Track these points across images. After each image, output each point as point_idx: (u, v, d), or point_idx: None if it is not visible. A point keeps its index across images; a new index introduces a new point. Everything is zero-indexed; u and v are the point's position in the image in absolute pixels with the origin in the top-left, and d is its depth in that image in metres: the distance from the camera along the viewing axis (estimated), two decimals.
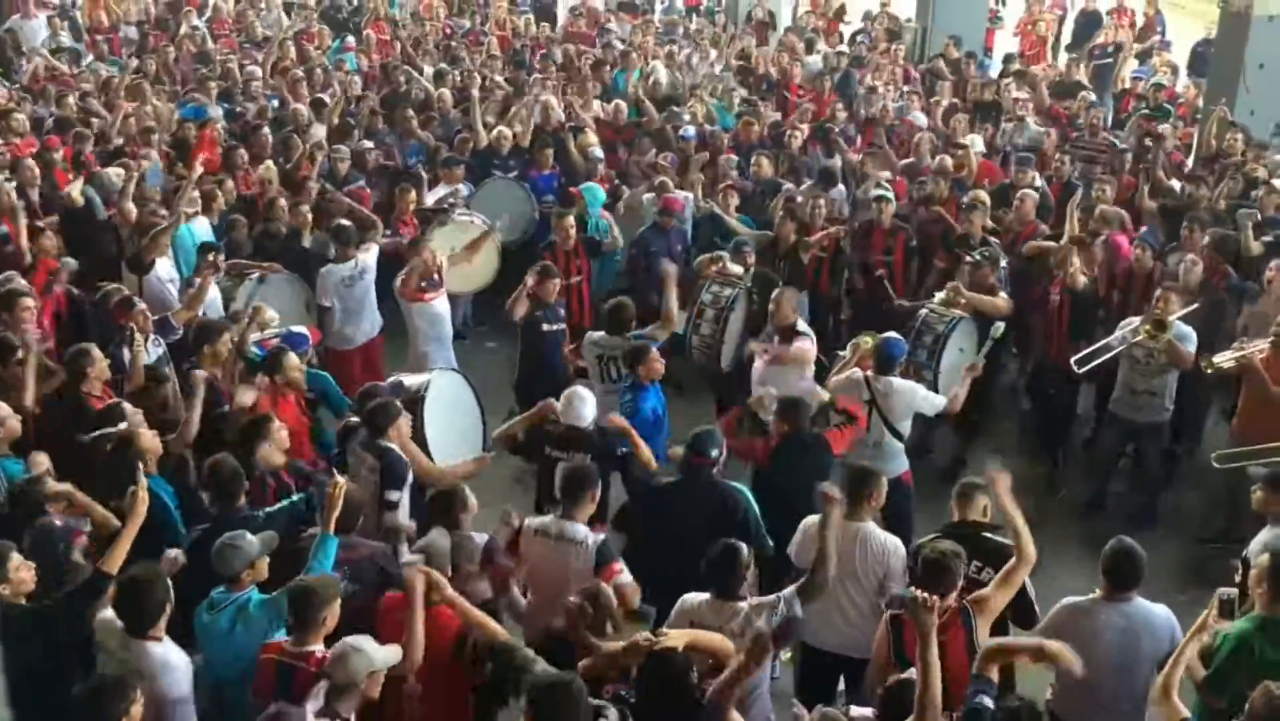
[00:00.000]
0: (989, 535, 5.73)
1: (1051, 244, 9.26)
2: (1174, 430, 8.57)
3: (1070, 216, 9.11)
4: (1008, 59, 15.75)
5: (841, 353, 7.89)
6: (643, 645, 4.64)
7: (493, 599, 5.60)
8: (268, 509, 5.83)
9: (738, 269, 8.91)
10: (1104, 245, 9.25)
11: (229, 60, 14.27)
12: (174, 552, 5.55)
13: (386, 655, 4.64)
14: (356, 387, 7.34)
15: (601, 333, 7.96)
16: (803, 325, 8.24)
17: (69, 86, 13.08)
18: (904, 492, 7.14)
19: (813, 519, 5.78)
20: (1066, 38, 18.38)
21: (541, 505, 6.55)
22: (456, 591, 5.18)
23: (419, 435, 6.87)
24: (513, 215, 10.81)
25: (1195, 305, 8.07)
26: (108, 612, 4.95)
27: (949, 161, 10.79)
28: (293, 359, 7.20)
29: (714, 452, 6.21)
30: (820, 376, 7.96)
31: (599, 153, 11.56)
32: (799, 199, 10.15)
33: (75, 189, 9.74)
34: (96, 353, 6.96)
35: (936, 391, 7.70)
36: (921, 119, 12.93)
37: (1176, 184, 10.80)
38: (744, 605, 5.21)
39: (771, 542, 6.12)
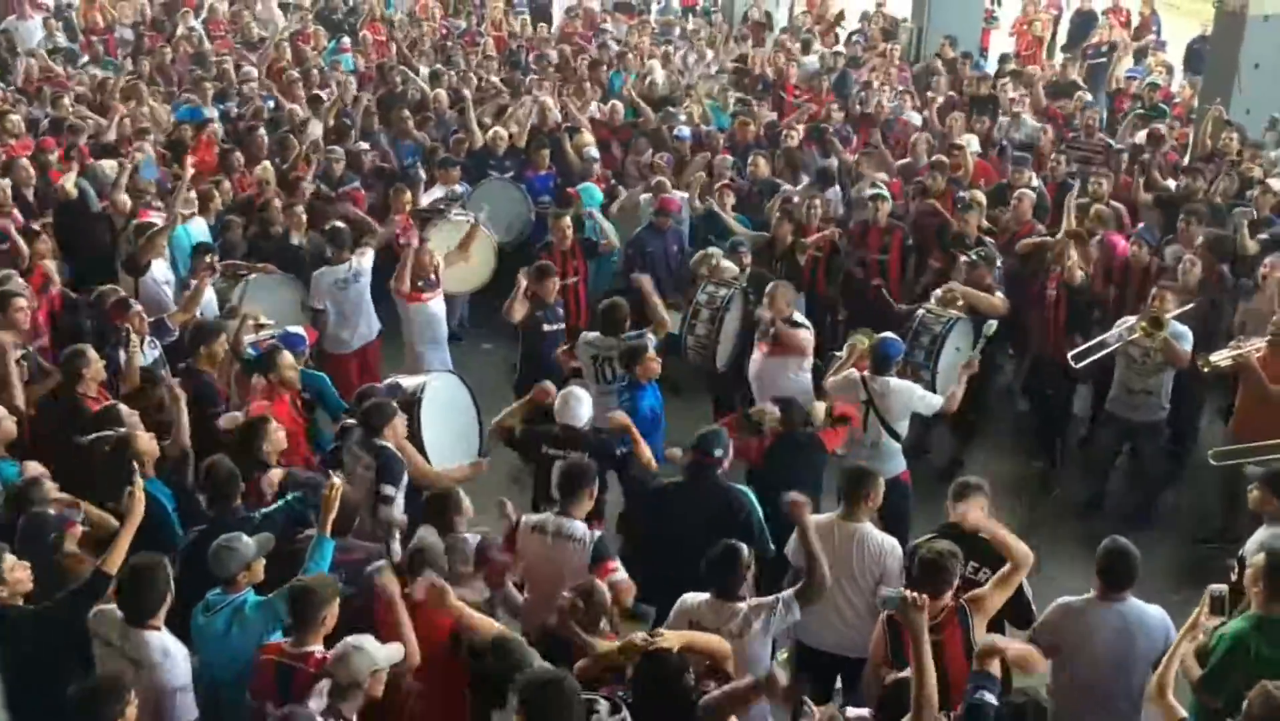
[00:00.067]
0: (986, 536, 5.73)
1: (1047, 238, 9.30)
2: (1171, 429, 8.59)
3: (1067, 211, 9.11)
4: (1003, 59, 15.76)
5: (838, 353, 7.89)
6: (638, 645, 4.64)
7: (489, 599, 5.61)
8: (263, 510, 5.83)
9: (733, 269, 8.92)
10: (1099, 244, 9.27)
11: (224, 61, 14.27)
12: None
13: (389, 653, 4.65)
14: (354, 392, 7.32)
15: (596, 333, 7.95)
16: (800, 318, 8.24)
17: (64, 88, 13.07)
18: (902, 492, 7.14)
19: (810, 518, 5.78)
20: (1062, 38, 18.40)
21: (538, 504, 6.54)
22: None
23: (416, 437, 6.87)
24: (508, 216, 10.81)
25: (1191, 304, 8.09)
26: (105, 605, 4.96)
27: (945, 159, 10.81)
28: (287, 357, 7.19)
29: (718, 452, 6.21)
30: (817, 377, 7.96)
31: (594, 153, 11.56)
32: (795, 199, 10.15)
33: (69, 180, 9.75)
34: (92, 354, 6.95)
35: (934, 392, 7.70)
36: (916, 118, 12.94)
37: (1172, 183, 10.82)
38: (743, 605, 5.21)
39: (773, 547, 6.12)
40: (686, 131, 11.99)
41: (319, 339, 8.65)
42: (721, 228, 10.03)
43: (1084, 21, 17.77)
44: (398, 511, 6.18)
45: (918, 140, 11.61)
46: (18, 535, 5.39)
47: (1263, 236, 9.14)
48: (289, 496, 5.94)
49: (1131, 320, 8.00)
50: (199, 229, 9.46)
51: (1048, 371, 8.98)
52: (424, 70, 14.08)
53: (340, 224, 9.21)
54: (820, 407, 7.23)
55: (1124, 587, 5.27)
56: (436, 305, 9.03)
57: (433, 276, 9.00)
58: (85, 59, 15.09)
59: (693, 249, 9.97)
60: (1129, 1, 17.85)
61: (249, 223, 9.79)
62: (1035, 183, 10.48)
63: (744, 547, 5.27)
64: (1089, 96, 13.80)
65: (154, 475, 6.02)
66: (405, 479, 6.35)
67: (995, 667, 4.67)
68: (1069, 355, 8.21)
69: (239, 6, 17.75)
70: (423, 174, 10.91)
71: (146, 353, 7.42)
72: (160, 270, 8.80)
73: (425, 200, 10.55)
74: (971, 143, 11.65)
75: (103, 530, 5.67)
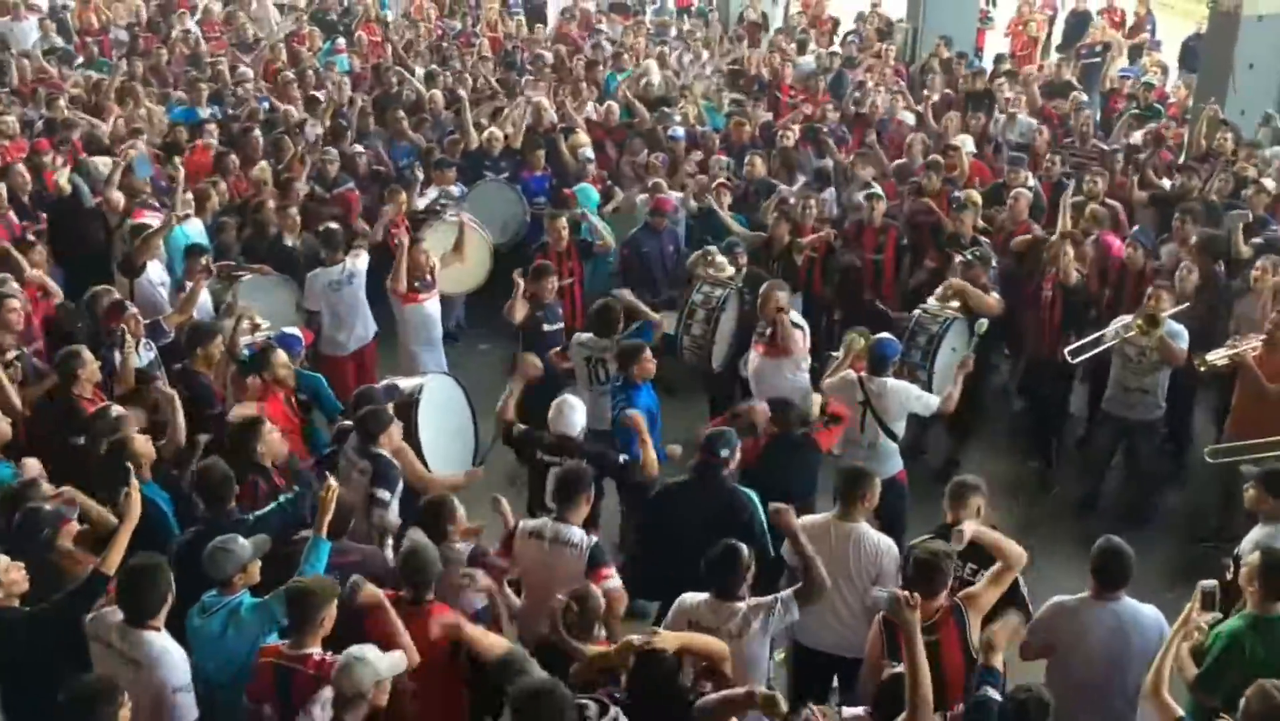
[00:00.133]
0: None
1: (1042, 233, 9.30)
2: (1167, 428, 8.60)
3: (1062, 211, 9.13)
4: (999, 59, 15.77)
5: (834, 353, 7.89)
6: (634, 645, 4.64)
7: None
8: (256, 512, 5.81)
9: (729, 268, 8.92)
10: (1094, 244, 9.28)
11: (219, 62, 14.25)
12: None
13: (392, 663, 4.62)
14: (350, 394, 7.31)
15: (589, 334, 7.95)
16: (796, 317, 8.24)
17: (58, 89, 13.05)
18: (898, 492, 7.15)
19: (806, 519, 5.80)
20: (1057, 38, 18.41)
21: (533, 510, 6.50)
22: (445, 600, 5.21)
23: (413, 439, 6.87)
24: (504, 217, 10.80)
25: (1187, 304, 8.10)
26: (104, 608, 4.95)
27: (940, 159, 10.82)
28: (281, 356, 7.19)
29: (724, 453, 6.21)
30: (814, 377, 7.97)
31: (589, 153, 11.55)
32: (792, 200, 10.16)
33: (62, 176, 9.73)
34: (87, 354, 6.94)
35: (931, 391, 7.70)
36: (909, 118, 12.95)
37: (1167, 182, 10.83)
38: (742, 605, 5.22)
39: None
40: (680, 132, 11.98)
41: (315, 341, 8.65)
42: (718, 228, 10.02)
43: (1079, 22, 17.78)
44: (391, 515, 6.17)
45: (913, 140, 11.61)
46: (12, 533, 5.38)
47: (1256, 240, 9.14)
48: (281, 499, 5.94)
49: (1128, 318, 8.01)
50: (195, 229, 9.45)
51: (1043, 372, 8.99)
52: (419, 71, 14.07)
53: (334, 225, 9.20)
54: (816, 400, 7.25)
55: (1118, 587, 5.28)
56: (431, 306, 9.03)
57: (428, 277, 9.00)
58: (80, 60, 15.07)
59: (688, 249, 9.97)
60: (1124, 1, 17.87)
61: (243, 224, 9.79)
62: (1031, 182, 10.49)
63: (744, 547, 5.27)
64: (1084, 96, 13.80)
65: (150, 477, 6.02)
66: (400, 486, 6.33)
67: (999, 661, 4.68)
68: (1066, 351, 8.22)
69: (234, 7, 17.73)
70: (420, 175, 10.91)
71: (142, 354, 7.42)
72: (156, 271, 8.79)
73: (421, 202, 10.55)
74: (966, 143, 11.66)
75: (102, 527, 5.66)
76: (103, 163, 9.99)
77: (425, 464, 6.81)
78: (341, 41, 15.89)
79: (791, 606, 5.27)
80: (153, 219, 9.16)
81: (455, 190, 10.81)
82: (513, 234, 10.88)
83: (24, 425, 6.78)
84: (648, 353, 7.32)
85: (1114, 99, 14.40)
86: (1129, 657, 5.20)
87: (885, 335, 7.64)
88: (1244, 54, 12.25)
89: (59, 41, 15.89)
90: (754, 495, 6.20)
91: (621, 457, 6.60)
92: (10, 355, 7.09)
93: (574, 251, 9.66)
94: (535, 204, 11.05)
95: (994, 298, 8.56)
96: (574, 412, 6.64)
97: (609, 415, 7.37)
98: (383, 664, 4.56)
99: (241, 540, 5.16)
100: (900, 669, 4.63)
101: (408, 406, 7.00)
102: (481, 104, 12.77)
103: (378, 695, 4.51)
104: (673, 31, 17.56)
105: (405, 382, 7.34)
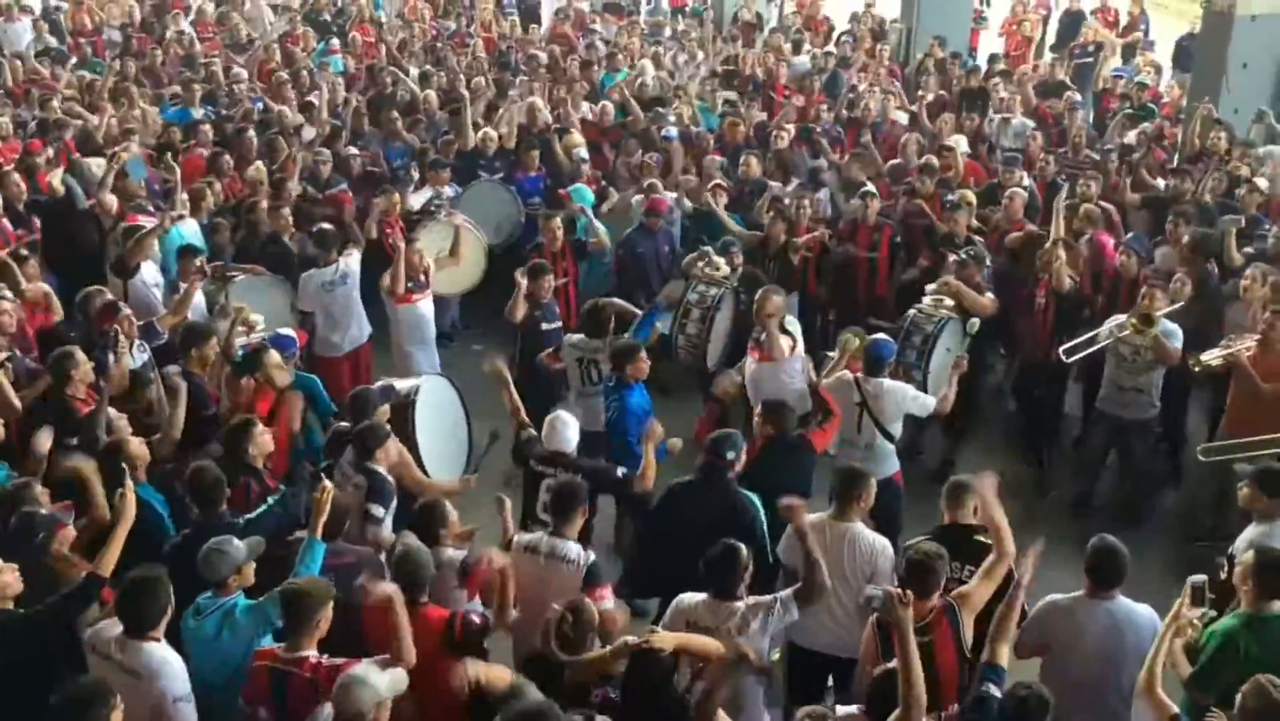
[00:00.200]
0: (979, 538, 5.71)
1: (1036, 230, 9.29)
2: (1162, 427, 8.60)
3: (1056, 214, 9.13)
4: (993, 59, 15.78)
5: (830, 353, 7.89)
6: (630, 645, 4.64)
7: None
8: (248, 515, 5.79)
9: (725, 268, 8.91)
10: (1088, 244, 9.28)
11: (213, 63, 14.23)
12: None
13: (393, 682, 4.56)
14: (345, 395, 7.28)
15: (581, 335, 7.94)
16: (791, 323, 8.23)
17: (51, 90, 13.03)
18: (894, 493, 7.16)
19: (807, 521, 5.78)
20: (1051, 38, 18.43)
21: (525, 521, 6.42)
22: (438, 605, 5.20)
23: (410, 440, 6.85)
24: (498, 217, 10.79)
25: (1181, 304, 8.10)
26: (103, 620, 4.94)
27: (935, 161, 10.82)
28: (273, 356, 7.17)
29: (730, 455, 6.20)
30: None
31: (584, 153, 11.54)
32: (786, 200, 10.16)
33: (55, 178, 9.69)
34: (80, 355, 6.92)
35: (926, 391, 7.70)
36: (903, 118, 12.96)
37: (1161, 183, 10.84)
38: (741, 605, 5.21)
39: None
40: (673, 132, 11.98)
41: (309, 342, 8.63)
42: (713, 228, 10.02)
43: (1073, 22, 17.80)
44: (385, 531, 6.13)
45: (908, 141, 11.62)
46: (7, 536, 5.37)
47: (1248, 250, 9.12)
48: (270, 501, 5.92)
49: (1122, 318, 8.01)
50: (190, 230, 9.42)
51: (1038, 374, 8.98)
52: (414, 72, 14.06)
53: (327, 226, 9.18)
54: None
55: (1113, 586, 5.29)
56: (425, 306, 9.02)
57: (422, 278, 8.99)
58: (74, 60, 15.05)
59: (684, 249, 9.97)
60: (1117, 1, 17.89)
61: (237, 225, 9.76)
62: (1026, 182, 10.50)
63: (743, 547, 5.27)
64: (1078, 96, 13.83)
65: (145, 480, 6.00)
66: (394, 502, 6.27)
67: (1003, 658, 4.68)
68: (1061, 350, 8.22)
69: (227, 8, 17.71)
70: (415, 175, 10.88)
71: (135, 356, 7.40)
72: (150, 272, 8.77)
73: (416, 202, 10.54)
74: (961, 144, 11.67)
75: (102, 526, 5.64)
76: (96, 164, 9.96)
77: (422, 464, 6.79)
78: (335, 42, 15.87)
79: (790, 606, 5.27)
80: (147, 223, 9.12)
81: (449, 191, 10.81)
82: (507, 234, 10.86)
83: (15, 426, 6.76)
84: (642, 353, 7.32)
85: (1107, 99, 14.43)
86: (1124, 656, 5.20)
87: (881, 336, 7.64)
88: (1238, 53, 12.28)
89: (52, 42, 15.88)
90: (756, 499, 6.20)
91: (619, 471, 6.56)
92: (1, 356, 7.06)
93: (569, 252, 9.66)
94: (530, 204, 11.04)
95: (988, 297, 8.56)
96: (567, 429, 6.54)
97: (602, 416, 7.36)
98: (384, 684, 4.49)
99: (236, 541, 5.15)
100: (893, 665, 4.63)
101: (404, 407, 7.00)
102: (474, 102, 12.75)
103: (378, 716, 4.47)
104: (667, 31, 17.57)
105: (401, 384, 7.33)
